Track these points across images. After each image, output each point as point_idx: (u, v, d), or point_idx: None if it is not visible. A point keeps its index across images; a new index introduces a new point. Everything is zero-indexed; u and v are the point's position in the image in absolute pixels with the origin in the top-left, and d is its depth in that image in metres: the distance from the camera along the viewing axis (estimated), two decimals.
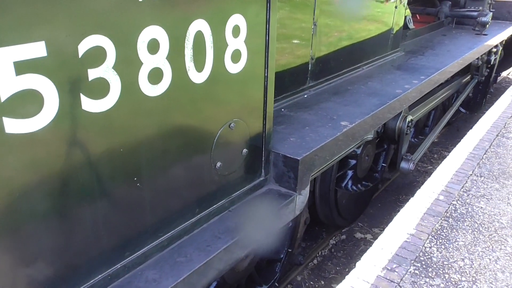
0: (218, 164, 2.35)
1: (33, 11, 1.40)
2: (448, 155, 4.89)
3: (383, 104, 3.62)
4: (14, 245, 1.55)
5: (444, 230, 3.50)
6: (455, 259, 3.17)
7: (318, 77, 3.85)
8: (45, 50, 1.45)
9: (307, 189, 2.90)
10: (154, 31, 1.78)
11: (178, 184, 2.15)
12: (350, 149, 3.71)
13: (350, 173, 4.47)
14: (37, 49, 1.43)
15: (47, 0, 1.42)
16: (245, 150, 2.53)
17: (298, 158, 2.66)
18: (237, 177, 2.54)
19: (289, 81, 3.51)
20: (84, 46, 1.55)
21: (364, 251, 4.48)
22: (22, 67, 1.40)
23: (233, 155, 2.46)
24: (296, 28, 3.41)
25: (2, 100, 1.38)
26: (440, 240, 3.37)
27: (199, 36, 1.99)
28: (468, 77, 7.18)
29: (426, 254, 3.20)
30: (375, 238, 4.96)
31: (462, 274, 3.02)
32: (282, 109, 3.38)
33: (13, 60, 1.38)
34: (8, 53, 1.36)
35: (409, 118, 4.56)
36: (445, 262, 3.13)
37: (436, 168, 4.60)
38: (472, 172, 4.49)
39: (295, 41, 3.45)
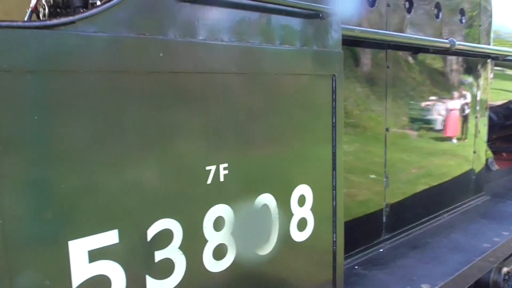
0: None
1: (107, 202, 1.53)
2: None
3: (469, 261, 3.30)
4: None
5: None
6: None
7: (393, 228, 3.67)
8: (117, 238, 1.55)
9: None
10: (220, 210, 1.85)
11: None
12: None
13: None
14: (110, 238, 1.54)
15: (120, 190, 1.56)
16: None
17: None
18: None
19: (361, 234, 3.38)
20: (153, 230, 1.64)
21: None
22: (95, 255, 1.50)
23: None
24: (366, 182, 3.39)
25: (73, 287, 1.46)
26: None
27: (264, 209, 2.04)
28: None
29: None
30: None
31: None
32: (356, 267, 3.20)
33: (88, 249, 1.49)
34: (84, 243, 1.48)
35: (505, 269, 4.08)
36: None
37: None
38: None
39: (366, 191, 3.41)
